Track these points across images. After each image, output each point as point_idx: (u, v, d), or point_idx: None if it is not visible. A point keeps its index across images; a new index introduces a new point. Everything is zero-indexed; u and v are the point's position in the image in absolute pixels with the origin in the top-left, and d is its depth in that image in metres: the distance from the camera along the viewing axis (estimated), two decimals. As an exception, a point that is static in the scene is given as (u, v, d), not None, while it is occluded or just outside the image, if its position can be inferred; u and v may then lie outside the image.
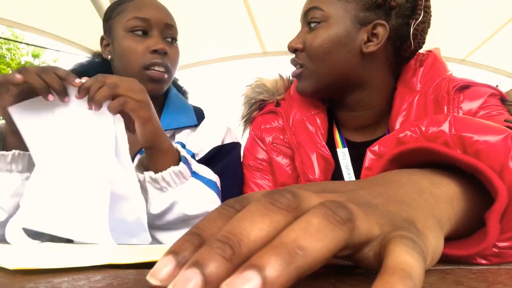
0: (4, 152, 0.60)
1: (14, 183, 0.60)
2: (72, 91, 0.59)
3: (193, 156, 0.77)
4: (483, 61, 3.14)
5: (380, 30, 0.69)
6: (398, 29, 0.70)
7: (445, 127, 0.32)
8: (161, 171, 0.63)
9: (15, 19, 2.45)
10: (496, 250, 0.29)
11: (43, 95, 0.57)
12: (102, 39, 0.82)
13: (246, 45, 3.12)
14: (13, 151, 0.60)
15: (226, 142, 0.84)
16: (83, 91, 0.58)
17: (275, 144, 0.80)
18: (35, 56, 12.44)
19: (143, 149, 0.78)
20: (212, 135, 0.83)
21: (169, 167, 0.63)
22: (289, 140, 0.78)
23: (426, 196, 0.26)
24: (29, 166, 0.61)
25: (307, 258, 0.17)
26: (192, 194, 0.65)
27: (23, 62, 13.02)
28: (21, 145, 0.60)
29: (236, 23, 2.76)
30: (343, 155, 0.76)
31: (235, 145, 0.85)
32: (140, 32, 0.75)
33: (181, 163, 0.64)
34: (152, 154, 0.64)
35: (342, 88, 0.74)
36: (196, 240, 0.19)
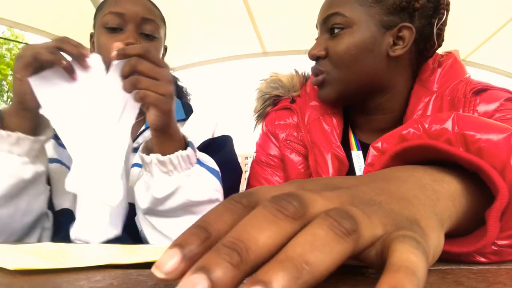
0: (9, 133, 0.59)
1: (12, 165, 0.60)
2: (96, 63, 0.60)
3: None
4: (483, 61, 3.14)
5: (406, 33, 0.68)
6: (422, 30, 0.69)
7: (448, 124, 0.32)
8: (168, 154, 0.63)
9: (15, 19, 2.45)
10: (496, 248, 0.29)
11: (68, 73, 0.58)
12: (91, 36, 0.82)
13: (246, 45, 3.12)
14: (18, 133, 0.60)
15: (216, 135, 0.83)
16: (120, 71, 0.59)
17: (288, 141, 0.79)
18: (35, 56, 12.44)
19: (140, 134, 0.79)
20: (201, 129, 0.82)
21: (175, 151, 0.63)
22: (303, 138, 0.77)
23: (428, 193, 0.26)
24: (30, 151, 0.62)
25: (314, 273, 0.17)
26: (197, 180, 0.65)
27: (23, 62, 13.02)
28: (23, 127, 0.60)
29: (236, 23, 2.76)
30: (358, 157, 0.75)
31: (227, 138, 0.84)
32: (112, 28, 0.75)
33: (189, 148, 0.64)
34: (159, 137, 0.63)
35: (365, 93, 0.73)
36: (202, 234, 0.19)
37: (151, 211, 0.67)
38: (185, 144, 0.66)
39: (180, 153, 0.63)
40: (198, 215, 0.66)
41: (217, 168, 0.70)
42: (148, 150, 0.66)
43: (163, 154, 0.63)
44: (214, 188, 0.67)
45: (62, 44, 0.57)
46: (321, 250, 0.17)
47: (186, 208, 0.66)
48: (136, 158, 0.76)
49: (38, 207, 0.66)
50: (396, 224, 0.21)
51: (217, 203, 0.68)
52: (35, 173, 0.63)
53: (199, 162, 0.67)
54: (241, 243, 0.17)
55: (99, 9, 0.79)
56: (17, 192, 0.62)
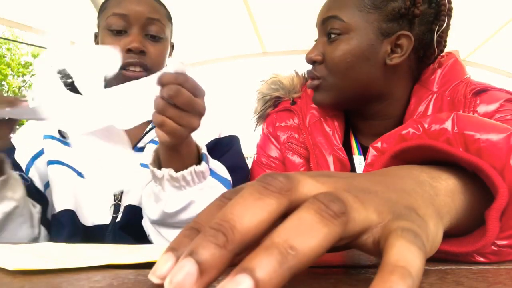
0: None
1: None
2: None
3: None
4: (483, 61, 3.14)
5: (404, 41, 0.66)
6: (421, 38, 0.68)
7: (448, 124, 0.32)
8: (178, 168, 0.59)
9: (15, 19, 2.45)
10: (495, 248, 0.29)
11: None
12: (95, 36, 0.81)
13: (246, 45, 3.12)
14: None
15: (223, 135, 0.82)
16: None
17: (289, 143, 0.79)
18: (35, 56, 12.43)
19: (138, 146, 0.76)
20: (208, 129, 0.79)
21: (189, 165, 0.59)
22: (304, 140, 0.77)
23: (426, 188, 0.26)
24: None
25: (299, 257, 0.16)
26: (209, 193, 0.62)
27: (23, 62, 13.05)
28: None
29: (236, 23, 2.76)
30: (359, 162, 0.75)
31: (234, 139, 0.83)
32: (116, 31, 0.72)
33: (203, 163, 0.61)
34: (169, 153, 0.59)
35: (361, 100, 0.72)
36: (195, 235, 0.19)
37: (160, 222, 0.64)
38: (198, 156, 0.62)
39: (194, 168, 0.59)
40: None
41: (228, 177, 0.68)
42: (158, 160, 0.62)
43: (175, 169, 0.59)
44: None
45: None
46: (307, 234, 0.17)
47: None
48: (142, 158, 0.72)
49: (24, 235, 0.64)
50: (393, 212, 0.21)
51: None
52: (3, 213, 0.59)
53: (211, 172, 0.64)
54: (226, 223, 0.17)
55: (102, 9, 0.77)
56: None
